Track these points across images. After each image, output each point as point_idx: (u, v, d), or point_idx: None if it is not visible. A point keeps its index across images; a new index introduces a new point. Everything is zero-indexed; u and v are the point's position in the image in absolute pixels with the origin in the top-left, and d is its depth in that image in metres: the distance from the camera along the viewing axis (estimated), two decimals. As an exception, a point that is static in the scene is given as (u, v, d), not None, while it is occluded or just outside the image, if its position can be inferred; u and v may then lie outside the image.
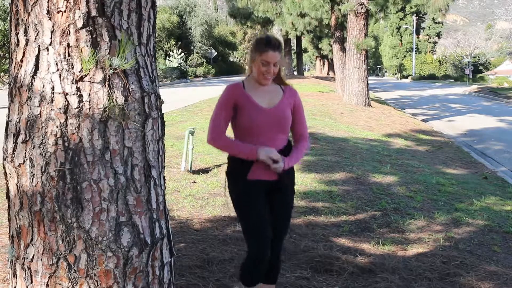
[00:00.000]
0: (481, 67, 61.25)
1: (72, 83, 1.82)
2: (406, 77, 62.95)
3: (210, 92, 19.31)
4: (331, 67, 44.28)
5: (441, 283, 3.21)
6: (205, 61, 44.35)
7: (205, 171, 6.00)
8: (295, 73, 39.45)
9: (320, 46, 40.83)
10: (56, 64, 1.82)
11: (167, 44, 39.75)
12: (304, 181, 5.68)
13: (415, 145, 10.11)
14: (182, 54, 38.85)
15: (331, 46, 24.45)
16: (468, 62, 54.72)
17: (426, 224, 4.49)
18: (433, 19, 64.90)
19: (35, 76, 1.84)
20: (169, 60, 37.55)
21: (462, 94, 30.95)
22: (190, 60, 41.81)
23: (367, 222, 4.43)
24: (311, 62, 75.96)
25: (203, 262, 3.27)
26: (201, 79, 38.54)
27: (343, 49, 18.79)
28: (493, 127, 14.06)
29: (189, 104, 14.26)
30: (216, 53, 46.78)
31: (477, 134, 12.82)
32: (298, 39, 38.92)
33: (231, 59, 58.78)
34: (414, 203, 5.18)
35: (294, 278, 3.17)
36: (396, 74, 69.86)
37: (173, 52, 38.27)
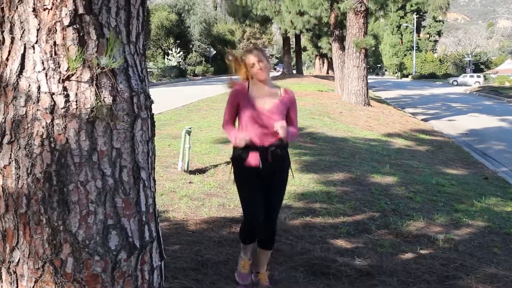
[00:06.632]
0: (482, 66, 61.07)
1: (59, 82, 1.77)
2: (407, 76, 62.73)
3: (208, 91, 19.25)
4: (330, 66, 43.92)
5: (440, 286, 3.15)
6: (204, 60, 44.17)
7: (201, 171, 5.94)
8: (294, 71, 39.33)
9: (319, 44, 40.57)
10: (42, 63, 1.76)
11: (166, 43, 39.46)
12: (301, 181, 5.62)
13: (415, 145, 10.05)
14: (181, 52, 38.67)
15: (331, 45, 24.37)
16: (469, 61, 54.60)
17: (425, 226, 4.44)
18: (434, 17, 64.71)
19: (20, 75, 1.78)
20: (167, 58, 37.31)
21: (463, 93, 30.87)
22: (189, 58, 41.65)
23: (365, 224, 4.38)
24: (311, 61, 75.53)
25: (198, 264, 3.22)
26: (200, 78, 38.43)
27: (342, 48, 18.69)
28: (494, 127, 13.98)
29: (187, 103, 14.20)
30: (215, 51, 46.41)
31: (478, 133, 12.75)
32: (297, 38, 38.73)
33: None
34: (413, 204, 5.12)
35: (290, 281, 3.12)
36: (396, 73, 69.59)
37: (171, 50, 38.05)
